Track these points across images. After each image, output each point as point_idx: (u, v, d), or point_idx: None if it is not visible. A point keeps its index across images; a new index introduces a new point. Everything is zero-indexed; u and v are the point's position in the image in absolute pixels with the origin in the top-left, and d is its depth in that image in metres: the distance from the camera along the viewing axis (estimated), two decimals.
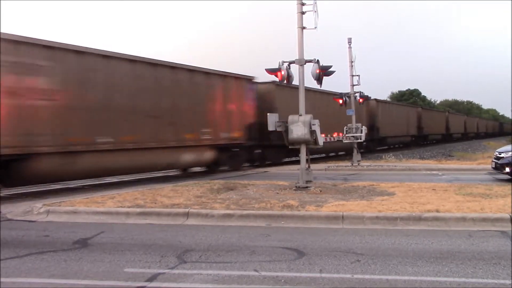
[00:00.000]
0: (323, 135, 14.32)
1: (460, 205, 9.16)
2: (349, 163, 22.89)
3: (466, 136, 69.52)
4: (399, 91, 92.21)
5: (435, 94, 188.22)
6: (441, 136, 57.09)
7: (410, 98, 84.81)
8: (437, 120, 56.10)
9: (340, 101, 23.25)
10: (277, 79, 12.83)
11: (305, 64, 12.34)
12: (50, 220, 9.31)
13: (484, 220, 8.08)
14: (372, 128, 33.74)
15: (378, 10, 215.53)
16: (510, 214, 8.10)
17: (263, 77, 20.01)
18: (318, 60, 12.24)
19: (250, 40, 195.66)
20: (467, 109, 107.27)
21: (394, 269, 5.65)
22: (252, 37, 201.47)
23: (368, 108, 34.44)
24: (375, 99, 35.43)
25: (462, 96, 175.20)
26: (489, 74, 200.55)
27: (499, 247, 6.64)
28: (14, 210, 10.18)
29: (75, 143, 13.20)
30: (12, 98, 11.62)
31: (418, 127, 47.53)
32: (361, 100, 23.83)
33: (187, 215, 9.06)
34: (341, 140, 23.61)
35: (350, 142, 23.15)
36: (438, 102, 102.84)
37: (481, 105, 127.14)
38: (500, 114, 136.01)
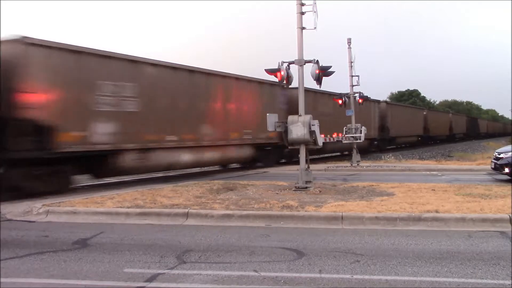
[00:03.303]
0: (323, 135, 14.28)
1: (459, 205, 9.16)
2: (348, 164, 22.94)
3: (453, 138, 62.33)
4: (398, 92, 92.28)
5: (435, 94, 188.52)
6: (416, 138, 47.82)
7: (409, 99, 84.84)
8: (410, 119, 45.61)
9: (340, 102, 23.31)
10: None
11: (304, 64, 12.36)
12: (49, 220, 9.31)
13: (484, 220, 8.08)
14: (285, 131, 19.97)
15: (378, 10, 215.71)
16: (510, 215, 8.11)
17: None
18: (317, 61, 12.25)
19: (249, 40, 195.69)
20: (467, 109, 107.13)
21: (394, 269, 5.65)
22: (252, 37, 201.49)
23: (289, 99, 21.86)
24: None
25: (462, 96, 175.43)
26: (489, 74, 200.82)
27: (498, 247, 6.65)
28: (14, 210, 10.17)
29: None
30: None
31: (382, 127, 36.60)
32: (360, 100, 23.86)
33: (186, 215, 9.06)
34: (340, 141, 23.55)
35: (350, 143, 23.20)
36: (437, 102, 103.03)
37: (481, 106, 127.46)
38: (499, 114, 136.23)
